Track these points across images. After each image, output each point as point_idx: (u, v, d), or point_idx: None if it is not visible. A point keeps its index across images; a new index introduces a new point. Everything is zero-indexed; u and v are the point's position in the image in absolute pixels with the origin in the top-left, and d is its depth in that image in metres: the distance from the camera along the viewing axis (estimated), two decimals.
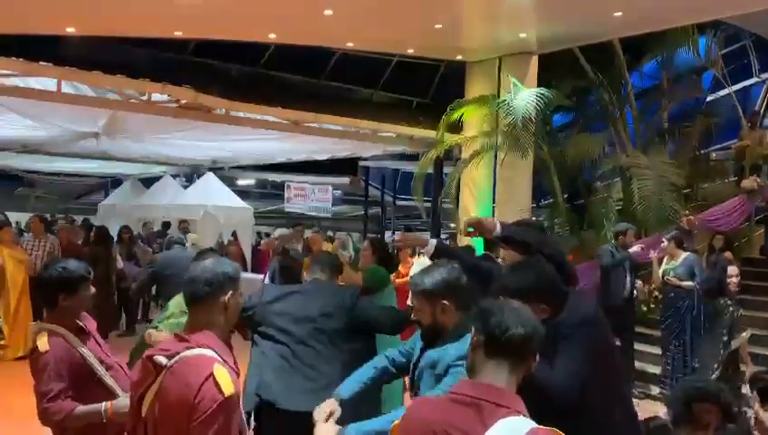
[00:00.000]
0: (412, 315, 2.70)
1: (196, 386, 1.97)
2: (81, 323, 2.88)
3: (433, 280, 2.56)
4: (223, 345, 2.17)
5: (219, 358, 2.08)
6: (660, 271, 7.39)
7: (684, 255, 7.25)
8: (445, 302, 2.53)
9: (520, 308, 1.86)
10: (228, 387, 2.00)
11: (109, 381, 2.78)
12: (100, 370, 2.78)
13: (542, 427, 1.66)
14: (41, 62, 8.61)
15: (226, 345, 2.21)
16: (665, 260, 7.40)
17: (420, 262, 7.95)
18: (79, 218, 15.43)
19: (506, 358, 1.78)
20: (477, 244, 9.86)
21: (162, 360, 2.06)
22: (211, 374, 1.99)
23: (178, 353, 2.07)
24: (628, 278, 7.25)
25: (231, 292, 2.20)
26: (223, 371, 2.02)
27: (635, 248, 7.25)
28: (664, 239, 7.41)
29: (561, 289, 2.57)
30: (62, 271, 2.81)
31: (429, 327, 2.58)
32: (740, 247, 9.66)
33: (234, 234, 13.10)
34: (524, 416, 1.68)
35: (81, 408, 2.68)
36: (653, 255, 7.49)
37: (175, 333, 2.20)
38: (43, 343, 2.72)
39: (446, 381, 2.37)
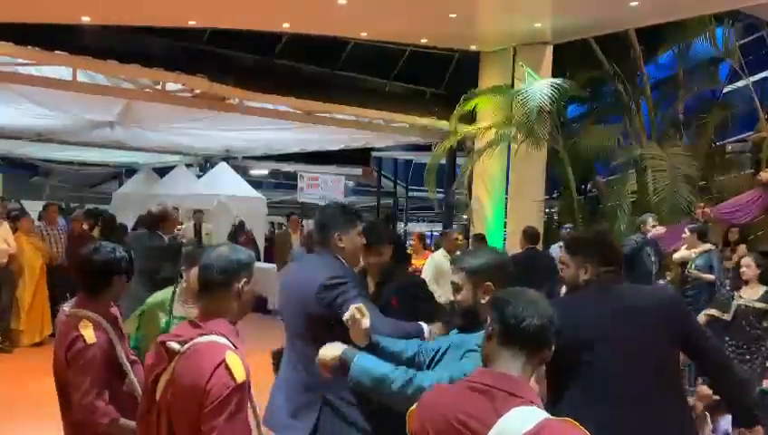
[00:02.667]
0: (451, 296, 2.62)
1: (208, 372, 1.99)
2: (114, 313, 2.85)
3: (480, 261, 2.51)
4: (236, 332, 2.19)
5: (231, 345, 2.10)
6: (679, 255, 7.36)
7: (705, 247, 7.21)
8: (489, 284, 2.46)
9: (536, 298, 1.85)
10: (240, 374, 2.02)
11: (134, 379, 2.73)
12: (129, 369, 2.74)
13: (555, 417, 1.66)
14: (56, 52, 8.66)
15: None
16: (683, 250, 7.35)
17: (438, 255, 7.85)
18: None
19: (521, 348, 1.78)
20: (495, 236, 9.89)
21: (175, 346, 2.08)
22: (223, 361, 2.01)
23: (192, 340, 2.08)
24: (653, 260, 7.20)
25: (245, 279, 2.20)
26: (235, 357, 2.04)
27: (656, 230, 7.19)
28: (686, 229, 7.35)
29: None
30: (114, 252, 2.79)
31: (468, 310, 2.52)
32: (756, 240, 9.56)
33: (241, 223, 13.12)
34: (538, 406, 1.68)
35: (123, 421, 2.63)
36: (681, 248, 7.43)
37: (188, 320, 2.21)
38: (89, 335, 2.64)
39: (462, 363, 2.34)
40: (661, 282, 7.28)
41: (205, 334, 2.09)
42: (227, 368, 2.00)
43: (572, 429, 1.64)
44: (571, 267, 2.75)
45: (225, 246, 2.30)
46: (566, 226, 8.48)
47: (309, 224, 11.84)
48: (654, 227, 7.33)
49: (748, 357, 5.54)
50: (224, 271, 2.18)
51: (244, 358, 2.11)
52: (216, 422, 1.97)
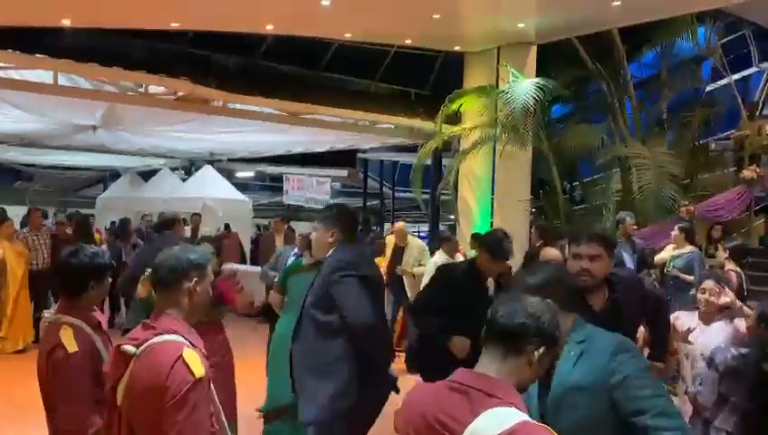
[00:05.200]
0: None
1: (166, 370, 1.99)
2: (98, 318, 2.80)
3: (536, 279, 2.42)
4: (191, 330, 2.18)
5: (187, 342, 2.09)
6: (659, 257, 7.38)
7: (688, 249, 7.22)
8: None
9: (529, 300, 1.82)
10: (199, 369, 2.02)
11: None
12: None
13: (533, 421, 1.64)
14: (37, 55, 8.58)
15: (195, 330, 2.22)
16: (668, 249, 7.37)
17: (439, 258, 7.41)
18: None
19: (498, 347, 1.76)
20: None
21: (130, 349, 2.08)
22: (180, 357, 2.01)
23: (146, 341, 2.08)
24: (631, 259, 7.18)
25: (196, 278, 2.22)
26: (192, 353, 2.05)
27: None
28: (676, 228, 7.37)
29: None
30: (92, 257, 2.73)
31: None
32: (739, 238, 9.63)
33: (227, 226, 13.05)
34: (516, 408, 1.65)
35: None
36: (666, 248, 7.44)
37: (142, 322, 2.22)
38: (71, 343, 2.57)
39: None
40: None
41: (159, 334, 2.10)
42: (185, 364, 2.00)
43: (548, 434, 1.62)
44: None
45: (177, 247, 2.32)
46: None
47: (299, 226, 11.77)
48: (632, 225, 7.33)
49: None
50: (172, 270, 2.20)
51: (203, 355, 2.12)
52: (177, 418, 1.96)
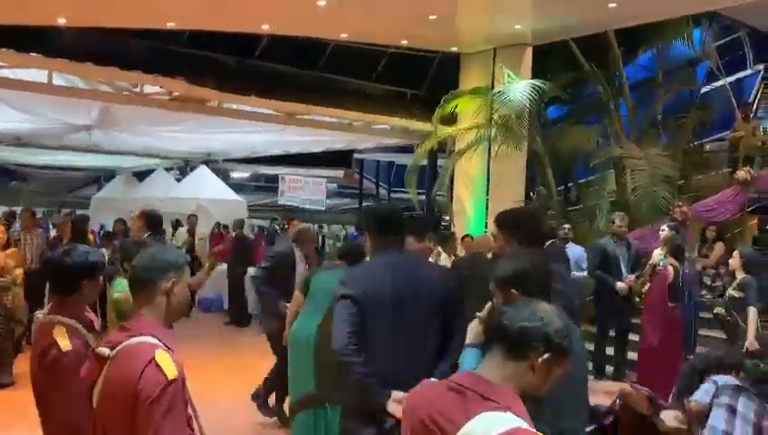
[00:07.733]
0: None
1: (137, 372, 1.97)
2: (90, 318, 2.79)
3: (503, 269, 2.38)
4: (166, 332, 2.16)
5: (161, 344, 2.08)
6: (653, 260, 7.37)
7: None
8: (513, 291, 2.29)
9: (540, 306, 1.79)
10: (171, 370, 2.00)
11: None
12: None
13: (528, 427, 1.59)
14: (32, 54, 8.55)
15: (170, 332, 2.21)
16: (660, 250, 7.38)
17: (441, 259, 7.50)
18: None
19: (500, 350, 1.74)
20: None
21: (105, 351, 2.08)
22: (153, 359, 1.99)
23: (121, 343, 2.07)
24: (623, 269, 7.24)
25: (174, 279, 2.18)
26: (165, 355, 2.03)
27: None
28: (664, 227, 7.38)
29: None
30: (86, 256, 2.72)
31: None
32: (733, 238, 9.66)
33: (225, 226, 13.05)
34: (513, 413, 1.60)
35: None
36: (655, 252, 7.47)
37: (119, 324, 2.21)
38: (65, 342, 2.57)
39: None
40: (631, 277, 7.27)
41: (133, 336, 2.08)
42: (158, 365, 1.99)
43: None
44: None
45: (154, 247, 2.33)
46: (564, 226, 8.34)
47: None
48: (620, 226, 7.38)
49: None
50: (147, 269, 2.17)
51: (177, 357, 2.10)
52: (151, 420, 1.95)
